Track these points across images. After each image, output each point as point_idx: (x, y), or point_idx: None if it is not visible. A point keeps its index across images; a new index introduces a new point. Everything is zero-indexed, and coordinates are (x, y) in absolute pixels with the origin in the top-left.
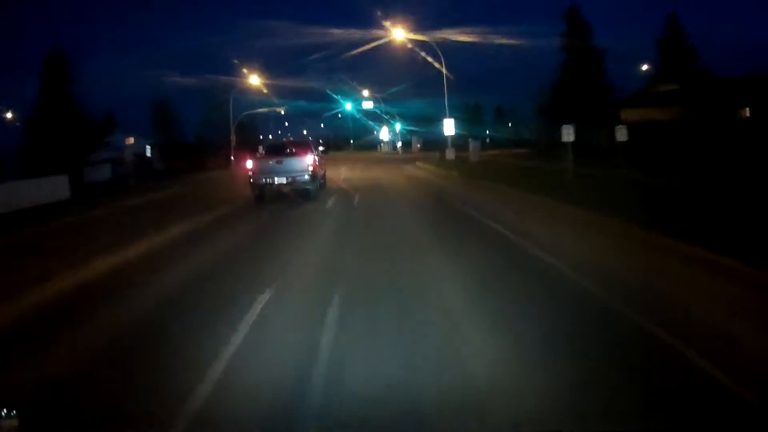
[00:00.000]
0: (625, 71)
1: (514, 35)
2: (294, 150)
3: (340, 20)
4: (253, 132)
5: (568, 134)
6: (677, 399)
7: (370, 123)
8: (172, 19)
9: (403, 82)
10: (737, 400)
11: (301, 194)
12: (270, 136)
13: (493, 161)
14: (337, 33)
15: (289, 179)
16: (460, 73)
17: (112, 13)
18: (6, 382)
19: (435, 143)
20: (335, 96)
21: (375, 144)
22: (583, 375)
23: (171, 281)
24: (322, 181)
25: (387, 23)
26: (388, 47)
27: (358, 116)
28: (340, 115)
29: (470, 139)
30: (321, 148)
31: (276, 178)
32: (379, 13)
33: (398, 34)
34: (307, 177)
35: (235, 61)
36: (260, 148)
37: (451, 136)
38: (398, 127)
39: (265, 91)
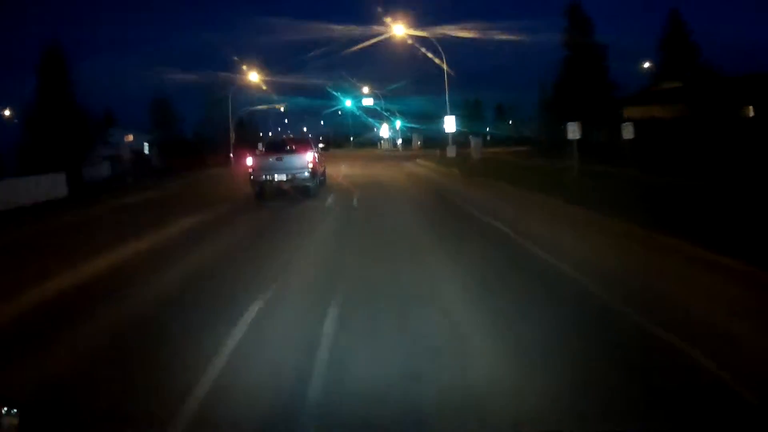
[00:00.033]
0: (627, 69)
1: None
2: (294, 147)
3: (339, 16)
4: (253, 129)
5: (573, 132)
6: (677, 398)
7: (371, 120)
8: (172, 17)
9: (404, 79)
10: (737, 399)
11: (301, 191)
12: (270, 134)
13: (495, 159)
14: (337, 29)
15: (289, 176)
16: (460, 70)
17: (112, 10)
18: (6, 382)
19: (435, 140)
20: (335, 93)
21: (375, 141)
22: (583, 375)
23: (170, 280)
24: (322, 178)
25: (387, 19)
26: (388, 43)
27: (358, 113)
28: (340, 112)
29: (471, 137)
30: (321, 146)
31: (276, 175)
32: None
33: (398, 30)
34: (307, 174)
35: (235, 58)
36: (260, 146)
37: (452, 133)
38: (398, 124)
39: (264, 87)
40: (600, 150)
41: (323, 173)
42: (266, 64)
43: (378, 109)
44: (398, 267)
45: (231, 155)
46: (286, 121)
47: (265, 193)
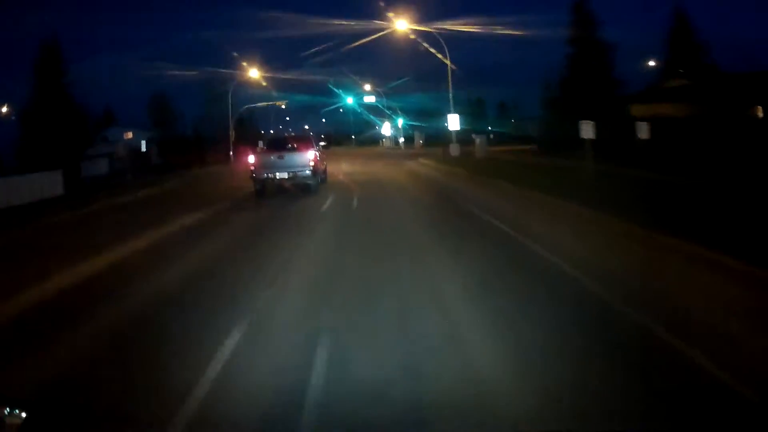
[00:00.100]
0: (632, 66)
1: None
2: (295, 145)
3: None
4: (253, 126)
5: (587, 131)
6: (677, 398)
7: (372, 118)
8: (172, 14)
9: (406, 76)
10: (737, 399)
11: (301, 189)
12: (270, 131)
13: (499, 158)
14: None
15: (291, 174)
16: (462, 68)
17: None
18: (5, 382)
19: (438, 139)
20: (336, 90)
21: (377, 139)
22: (584, 375)
23: (170, 279)
24: (323, 176)
25: (390, 14)
26: (390, 40)
27: (359, 111)
28: (341, 110)
29: (474, 135)
30: (322, 143)
31: (277, 173)
32: (381, 4)
33: (401, 25)
34: (308, 172)
35: (234, 54)
36: (260, 143)
37: (456, 131)
38: (400, 122)
39: (264, 84)
40: (608, 148)
41: (324, 171)
42: (266, 61)
43: (380, 106)
44: (398, 266)
45: (231, 153)
46: (287, 118)
47: (266, 190)
